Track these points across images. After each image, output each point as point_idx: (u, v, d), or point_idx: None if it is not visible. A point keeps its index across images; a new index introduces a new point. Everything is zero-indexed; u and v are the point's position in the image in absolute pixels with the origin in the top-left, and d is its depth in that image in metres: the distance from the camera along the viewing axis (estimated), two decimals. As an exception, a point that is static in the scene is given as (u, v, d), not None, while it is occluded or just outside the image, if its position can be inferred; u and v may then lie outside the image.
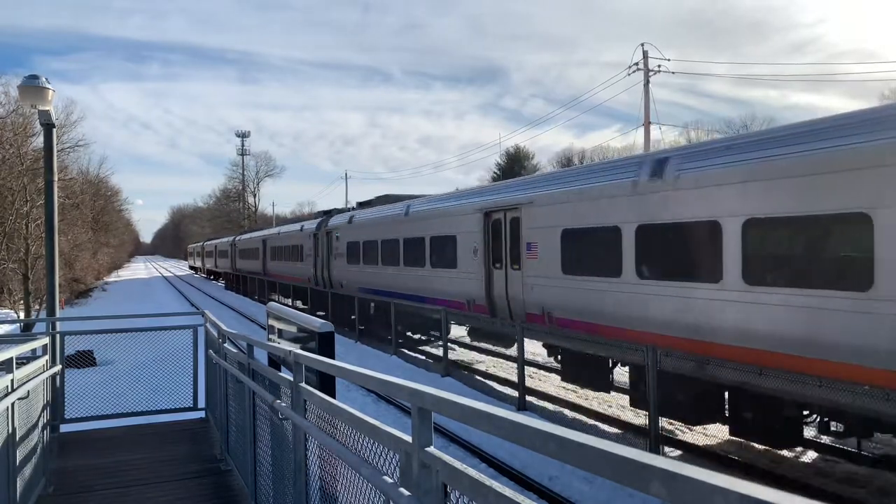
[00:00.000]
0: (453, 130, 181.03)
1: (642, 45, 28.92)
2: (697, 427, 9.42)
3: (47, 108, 8.60)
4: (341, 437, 2.78)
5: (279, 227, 39.71)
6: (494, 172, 64.98)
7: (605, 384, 10.37)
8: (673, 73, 29.27)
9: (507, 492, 1.50)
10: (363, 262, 20.15)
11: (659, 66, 28.89)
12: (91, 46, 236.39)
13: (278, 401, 3.93)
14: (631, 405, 9.82)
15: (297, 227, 30.11)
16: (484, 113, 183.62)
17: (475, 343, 16.33)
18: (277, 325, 5.54)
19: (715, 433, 9.11)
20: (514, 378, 11.76)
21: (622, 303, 9.42)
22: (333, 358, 3.58)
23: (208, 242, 67.28)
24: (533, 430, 1.37)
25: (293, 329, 4.92)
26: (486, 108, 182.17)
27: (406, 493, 1.96)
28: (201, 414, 8.18)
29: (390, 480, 2.12)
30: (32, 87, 8.46)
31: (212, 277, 61.60)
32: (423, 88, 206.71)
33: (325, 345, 4.09)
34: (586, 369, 10.49)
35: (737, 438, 8.37)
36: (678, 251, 8.70)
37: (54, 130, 9.21)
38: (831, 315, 6.65)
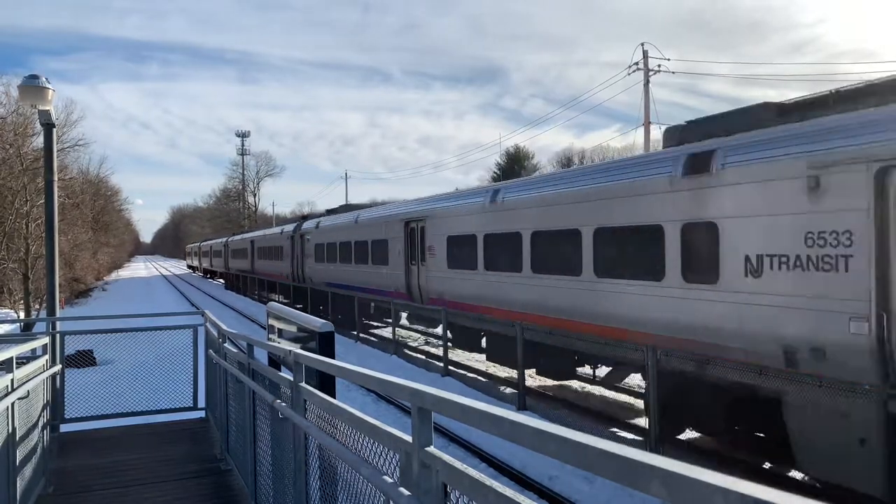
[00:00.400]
0: (453, 130, 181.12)
1: (642, 44, 28.94)
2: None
3: (47, 108, 8.60)
4: (341, 437, 2.78)
5: (264, 229, 44.22)
6: (494, 172, 65.01)
7: (480, 348, 14.20)
8: (673, 72, 29.29)
9: (508, 491, 1.50)
10: (327, 261, 24.13)
11: (659, 65, 28.90)
12: (90, 46, 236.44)
13: (278, 401, 3.93)
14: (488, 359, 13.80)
15: (278, 230, 34.45)
16: (483, 113, 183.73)
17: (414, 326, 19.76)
18: (277, 324, 5.54)
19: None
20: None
21: (480, 287, 13.28)
22: (333, 358, 3.58)
23: (204, 243, 70.13)
24: (533, 430, 1.37)
25: (293, 329, 4.92)
26: (485, 108, 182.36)
27: (406, 492, 1.96)
28: (201, 414, 8.18)
29: (390, 480, 2.12)
30: (32, 86, 8.46)
31: (208, 276, 64.56)
32: (423, 88, 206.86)
33: (325, 345, 4.09)
34: (465, 337, 14.34)
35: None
36: (509, 252, 12.13)
37: (54, 130, 9.21)
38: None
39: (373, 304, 19.51)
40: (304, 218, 30.74)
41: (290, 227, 30.75)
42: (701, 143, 8.41)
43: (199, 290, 46.85)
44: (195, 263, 76.34)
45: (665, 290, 8.56)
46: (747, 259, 7.39)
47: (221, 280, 55.09)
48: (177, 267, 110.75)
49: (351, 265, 21.42)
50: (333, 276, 23.07)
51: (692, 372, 7.90)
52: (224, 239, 55.57)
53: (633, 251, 9.35)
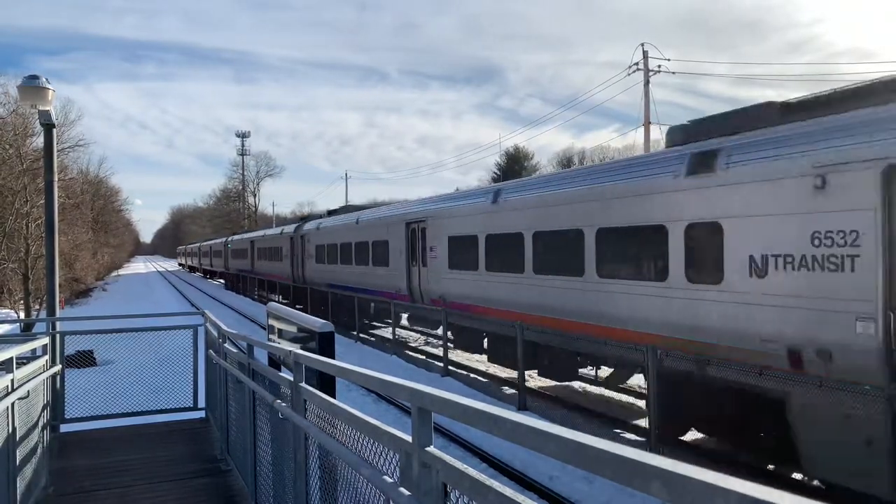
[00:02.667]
0: (451, 130, 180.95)
1: (642, 45, 28.93)
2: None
3: (47, 109, 8.60)
4: (341, 437, 2.78)
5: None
6: (494, 172, 64.99)
7: (482, 350, 14.26)
8: (673, 73, 29.28)
9: (508, 492, 1.50)
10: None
11: (659, 66, 28.89)
12: (85, 46, 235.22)
13: (278, 401, 3.93)
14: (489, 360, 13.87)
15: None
16: (481, 113, 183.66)
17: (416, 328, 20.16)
18: (277, 324, 5.54)
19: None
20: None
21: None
22: (333, 358, 3.58)
23: (204, 243, 71.32)
24: (533, 430, 1.37)
25: (293, 329, 4.92)
26: (483, 108, 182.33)
27: (406, 493, 1.96)
28: (201, 414, 8.18)
29: (390, 480, 2.12)
30: (32, 87, 8.45)
31: (208, 276, 66.11)
32: (420, 88, 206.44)
33: (325, 345, 4.09)
34: (467, 337, 14.46)
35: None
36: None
37: (54, 130, 9.21)
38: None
39: (373, 305, 19.56)
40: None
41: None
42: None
43: (199, 290, 46.84)
44: (188, 262, 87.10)
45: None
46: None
47: (221, 280, 55.37)
48: (175, 266, 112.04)
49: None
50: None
51: (693, 372, 7.90)
52: (224, 239, 56.09)
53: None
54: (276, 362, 4.86)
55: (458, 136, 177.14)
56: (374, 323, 20.58)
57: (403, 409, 10.78)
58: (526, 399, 11.09)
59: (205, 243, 69.42)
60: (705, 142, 8.39)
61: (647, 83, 28.63)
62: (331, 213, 26.94)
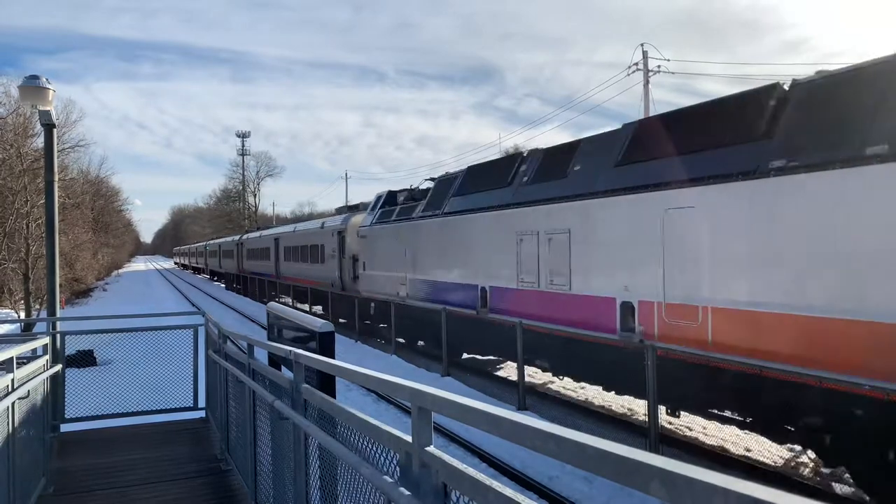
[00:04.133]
0: (449, 130, 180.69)
1: (642, 45, 28.94)
2: (697, 427, 9.42)
3: (48, 109, 8.60)
4: (341, 436, 2.78)
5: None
6: (495, 172, 64.65)
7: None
8: (673, 73, 29.28)
9: (508, 492, 1.50)
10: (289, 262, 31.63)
11: (658, 66, 28.89)
12: (81, 45, 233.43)
13: (278, 401, 3.93)
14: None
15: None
16: (479, 113, 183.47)
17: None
18: (277, 324, 5.55)
19: (715, 433, 9.11)
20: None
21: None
22: (333, 358, 3.58)
23: (212, 242, 70.10)
24: (533, 430, 1.37)
25: (293, 329, 4.92)
26: (481, 108, 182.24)
27: (406, 493, 1.96)
28: (201, 414, 8.18)
29: (390, 480, 2.12)
30: (33, 87, 8.45)
31: (214, 278, 63.90)
32: (418, 88, 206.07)
33: (325, 344, 4.10)
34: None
35: (738, 438, 8.39)
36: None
37: (54, 131, 9.21)
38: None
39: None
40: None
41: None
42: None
43: (199, 290, 46.84)
44: (186, 262, 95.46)
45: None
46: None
47: (223, 285, 51.06)
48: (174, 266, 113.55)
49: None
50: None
51: None
52: (237, 237, 49.76)
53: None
54: (276, 362, 4.86)
55: (457, 135, 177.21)
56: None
57: (403, 408, 10.78)
58: (526, 399, 11.09)
59: (212, 242, 65.66)
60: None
61: (646, 83, 28.63)
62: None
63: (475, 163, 15.31)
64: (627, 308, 9.24)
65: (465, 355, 14.10)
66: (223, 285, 50.41)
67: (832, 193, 6.62)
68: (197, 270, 77.36)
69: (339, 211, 27.21)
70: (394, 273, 17.47)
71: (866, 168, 6.28)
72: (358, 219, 22.10)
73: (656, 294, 8.68)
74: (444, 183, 15.75)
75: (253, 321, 24.49)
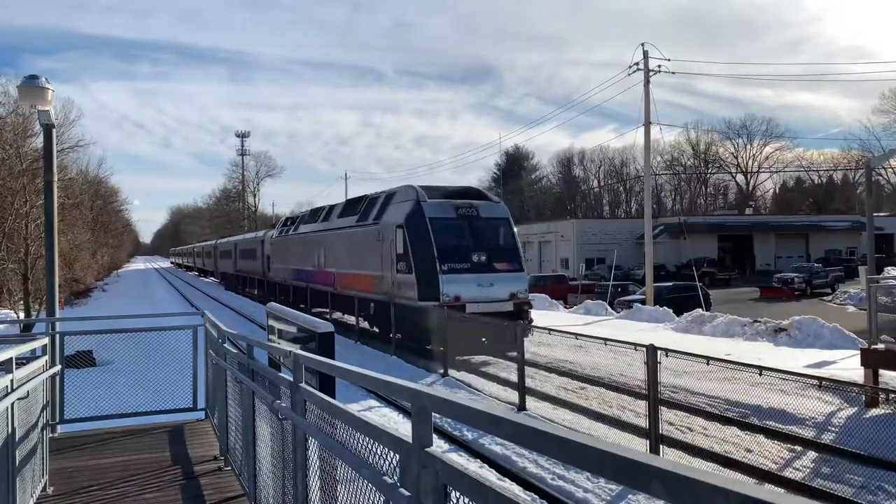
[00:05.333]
0: (448, 130, 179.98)
1: (642, 45, 28.93)
2: (698, 428, 9.44)
3: (47, 109, 8.59)
4: (341, 437, 2.78)
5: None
6: (494, 172, 64.95)
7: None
8: (673, 73, 29.28)
9: (507, 492, 1.50)
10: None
11: (659, 66, 28.86)
12: (77, 45, 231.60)
13: (278, 401, 3.93)
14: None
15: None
16: (478, 113, 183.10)
17: None
18: (277, 325, 5.54)
19: (715, 433, 9.12)
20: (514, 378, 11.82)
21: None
22: (333, 358, 3.59)
23: (221, 241, 69.86)
24: (533, 431, 1.37)
25: (293, 329, 4.92)
26: (479, 108, 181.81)
27: (406, 493, 1.96)
28: (201, 414, 8.18)
29: (390, 480, 2.12)
30: (32, 87, 8.44)
31: (178, 267, 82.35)
32: (416, 88, 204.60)
33: (324, 345, 4.10)
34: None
35: (738, 438, 8.40)
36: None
37: (54, 131, 9.20)
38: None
39: (372, 305, 19.29)
40: (273, 227, 40.87)
41: (261, 234, 40.82)
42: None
43: (199, 290, 46.88)
44: (173, 260, 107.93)
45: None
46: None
47: (208, 279, 54.87)
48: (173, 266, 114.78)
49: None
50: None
51: None
52: (213, 242, 54.09)
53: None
54: (275, 362, 4.87)
55: (455, 135, 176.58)
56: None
57: (403, 409, 10.78)
58: (525, 399, 11.09)
59: (198, 245, 67.93)
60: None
61: (647, 83, 28.62)
62: (287, 220, 34.24)
63: (314, 206, 31.95)
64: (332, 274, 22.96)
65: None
66: (208, 280, 63.83)
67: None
68: (188, 268, 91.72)
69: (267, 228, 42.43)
70: (285, 266, 30.37)
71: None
72: (272, 233, 34.80)
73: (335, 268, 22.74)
74: (303, 216, 30.35)
75: (228, 307, 30.11)
